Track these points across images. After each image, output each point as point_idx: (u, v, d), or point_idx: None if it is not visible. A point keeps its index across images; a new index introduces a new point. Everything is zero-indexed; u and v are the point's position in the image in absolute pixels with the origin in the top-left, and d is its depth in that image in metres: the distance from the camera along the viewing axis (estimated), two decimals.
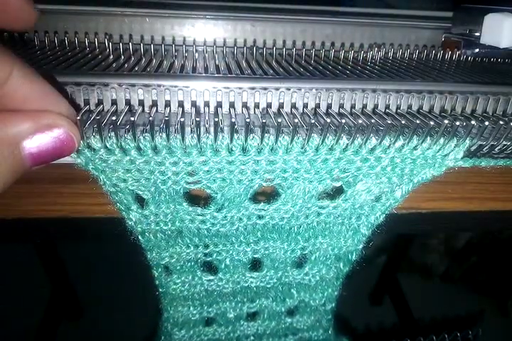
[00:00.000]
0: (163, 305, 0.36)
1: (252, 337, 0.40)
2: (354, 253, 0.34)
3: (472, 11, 0.44)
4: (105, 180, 0.27)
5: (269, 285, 0.35)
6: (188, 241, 0.31)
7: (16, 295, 1.26)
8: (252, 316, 0.39)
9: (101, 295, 1.31)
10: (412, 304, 1.32)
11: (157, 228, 0.30)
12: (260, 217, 0.31)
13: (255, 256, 0.33)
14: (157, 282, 0.34)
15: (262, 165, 0.27)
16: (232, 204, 0.30)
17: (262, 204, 0.30)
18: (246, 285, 0.35)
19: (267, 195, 0.32)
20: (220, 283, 0.34)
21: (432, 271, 1.58)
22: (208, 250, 0.32)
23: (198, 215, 0.30)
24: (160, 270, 0.33)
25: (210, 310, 0.37)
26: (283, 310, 0.38)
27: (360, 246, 0.34)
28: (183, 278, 0.34)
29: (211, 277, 0.34)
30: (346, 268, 0.35)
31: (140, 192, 0.28)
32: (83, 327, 1.23)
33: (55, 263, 1.20)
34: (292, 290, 0.37)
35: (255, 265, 0.35)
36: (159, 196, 0.29)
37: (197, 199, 0.31)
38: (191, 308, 0.36)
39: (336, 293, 0.37)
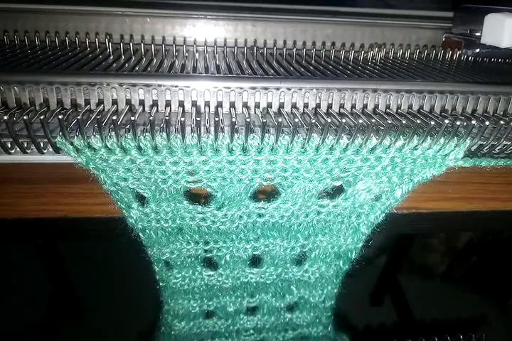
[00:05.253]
0: (164, 298, 0.37)
1: (251, 331, 0.40)
2: (354, 252, 0.34)
3: (473, 10, 0.44)
4: (106, 179, 0.27)
5: (268, 281, 0.36)
6: (189, 238, 0.32)
7: (16, 296, 1.26)
8: (252, 310, 0.39)
9: (101, 294, 1.31)
10: (413, 304, 1.32)
11: (158, 225, 0.30)
12: (260, 215, 0.31)
13: (255, 252, 0.34)
14: (158, 276, 0.34)
15: (262, 165, 0.27)
16: (233, 202, 0.30)
17: (262, 202, 0.31)
18: (246, 280, 0.35)
19: (267, 194, 0.32)
20: (220, 278, 0.35)
21: (433, 271, 1.57)
22: (208, 246, 0.32)
23: (199, 213, 0.30)
24: (161, 265, 0.33)
25: (210, 303, 0.38)
26: (282, 305, 0.38)
27: (360, 245, 0.34)
28: (183, 273, 0.34)
29: (211, 272, 0.35)
30: (346, 266, 0.35)
31: (141, 191, 0.29)
32: (84, 326, 1.23)
33: (55, 263, 1.20)
34: (292, 286, 0.37)
35: (255, 261, 0.35)
36: (160, 194, 0.29)
37: (197, 197, 0.31)
38: (191, 301, 0.37)
39: (335, 290, 0.37)
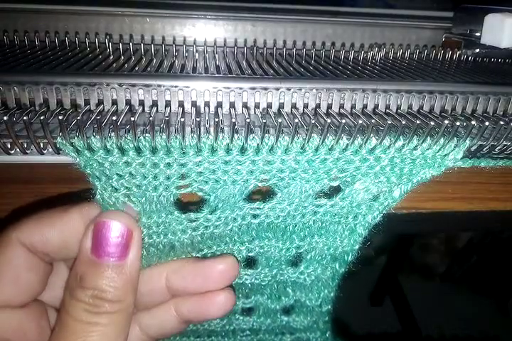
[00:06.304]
0: None
1: (247, 332, 0.40)
2: (350, 254, 0.34)
3: (472, 10, 0.44)
4: (101, 190, 0.26)
5: (264, 283, 0.35)
6: (180, 254, 0.31)
7: None
8: (248, 311, 0.39)
9: None
10: (413, 304, 1.32)
11: (150, 241, 0.29)
12: (255, 216, 0.31)
13: (249, 254, 0.33)
14: None
15: (258, 165, 0.27)
16: (226, 205, 0.29)
17: (258, 203, 0.30)
18: (240, 281, 0.35)
19: (262, 194, 0.32)
20: None
21: (433, 271, 1.58)
22: (202, 253, 0.32)
23: (191, 222, 0.29)
24: None
25: None
26: (278, 307, 0.38)
27: (357, 247, 0.33)
28: None
29: None
30: (342, 269, 0.35)
31: (132, 205, 0.28)
32: None
33: None
34: (288, 288, 0.36)
35: (250, 262, 0.35)
36: (150, 205, 0.28)
37: (188, 207, 0.31)
38: None
39: (332, 294, 0.37)
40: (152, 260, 0.30)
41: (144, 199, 0.28)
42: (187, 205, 0.31)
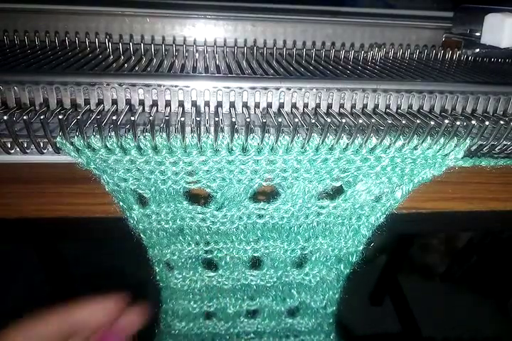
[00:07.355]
0: (164, 298, 0.36)
1: (252, 335, 0.40)
2: (355, 255, 0.34)
3: (472, 10, 0.44)
4: (107, 179, 0.27)
5: (269, 284, 0.35)
6: (189, 239, 0.32)
7: (15, 296, 1.25)
8: (252, 314, 0.39)
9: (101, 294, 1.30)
10: (413, 304, 1.32)
11: (159, 226, 0.30)
12: (260, 216, 0.31)
13: (255, 254, 0.34)
14: (158, 277, 0.34)
15: (261, 165, 0.27)
16: (232, 203, 0.30)
17: (262, 203, 0.31)
18: (246, 282, 0.35)
19: (267, 195, 0.32)
20: (220, 280, 0.35)
21: (433, 271, 1.58)
22: (209, 247, 0.32)
23: (198, 213, 0.30)
24: (161, 266, 0.33)
25: (210, 304, 0.37)
26: (283, 309, 0.38)
27: (361, 248, 0.33)
28: (184, 274, 0.34)
29: (212, 273, 0.35)
30: (347, 270, 0.35)
31: (141, 191, 0.29)
32: None
33: (55, 263, 1.20)
34: (293, 290, 0.37)
35: (255, 263, 0.35)
36: (160, 195, 0.29)
37: (197, 197, 0.31)
38: (191, 302, 0.37)
39: (337, 295, 0.37)
40: (162, 242, 0.31)
41: (153, 188, 0.29)
42: (197, 197, 0.31)
